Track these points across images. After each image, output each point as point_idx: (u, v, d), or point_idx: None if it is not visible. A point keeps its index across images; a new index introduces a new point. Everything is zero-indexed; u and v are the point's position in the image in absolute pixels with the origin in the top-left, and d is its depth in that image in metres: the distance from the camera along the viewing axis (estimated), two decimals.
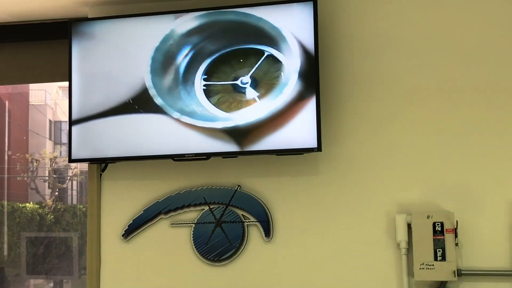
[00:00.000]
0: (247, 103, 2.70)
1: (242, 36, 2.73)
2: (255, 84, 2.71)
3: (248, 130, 2.69)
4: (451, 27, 2.75)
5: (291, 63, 2.68)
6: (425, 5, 2.78)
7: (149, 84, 2.78)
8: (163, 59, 2.78)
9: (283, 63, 2.69)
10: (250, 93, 2.71)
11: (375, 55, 2.79)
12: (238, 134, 2.69)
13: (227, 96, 2.73)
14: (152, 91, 2.78)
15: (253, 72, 2.72)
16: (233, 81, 2.73)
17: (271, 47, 2.70)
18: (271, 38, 2.70)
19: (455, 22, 2.75)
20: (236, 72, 2.73)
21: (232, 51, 2.74)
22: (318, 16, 2.69)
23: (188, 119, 2.74)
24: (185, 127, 2.74)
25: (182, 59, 2.77)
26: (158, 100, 2.77)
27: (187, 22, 2.77)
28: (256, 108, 2.69)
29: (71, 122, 2.86)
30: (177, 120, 2.74)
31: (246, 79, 2.72)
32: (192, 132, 2.73)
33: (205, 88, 2.74)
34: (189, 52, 2.77)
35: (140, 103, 2.79)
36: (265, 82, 2.71)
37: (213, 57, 2.75)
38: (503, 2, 2.72)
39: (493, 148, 2.67)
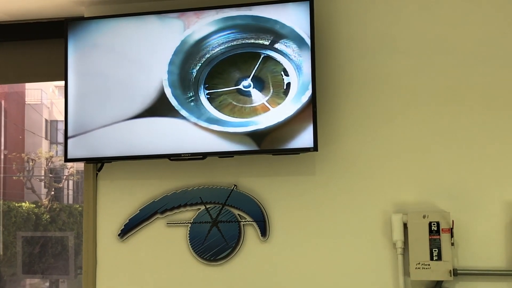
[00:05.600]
0: (263, 107, 2.70)
1: (248, 39, 2.73)
2: (260, 87, 2.71)
3: (266, 133, 2.69)
4: (449, 27, 2.76)
5: (306, 67, 2.68)
6: (423, 5, 2.78)
7: (173, 101, 2.76)
8: (179, 72, 2.77)
9: (284, 65, 2.69)
10: (256, 95, 2.70)
11: (372, 55, 2.80)
12: (259, 137, 2.69)
13: (230, 100, 2.72)
14: (174, 102, 2.77)
15: (253, 75, 2.72)
16: (235, 86, 2.73)
17: (274, 50, 2.71)
18: (280, 38, 2.70)
19: (453, 22, 2.76)
20: (237, 76, 2.73)
21: (232, 56, 2.74)
22: (314, 16, 2.69)
23: (217, 127, 2.72)
24: (209, 132, 2.74)
25: (193, 70, 2.77)
26: (184, 112, 2.76)
27: (196, 33, 2.76)
28: (276, 112, 2.68)
29: (67, 122, 2.86)
30: (206, 128, 2.73)
31: (247, 82, 2.72)
32: (208, 134, 2.73)
33: (208, 96, 2.75)
34: (198, 63, 2.77)
35: (159, 112, 2.78)
36: (270, 84, 2.70)
37: (213, 64, 2.75)
38: (503, 2, 2.73)
39: (489, 148, 2.68)
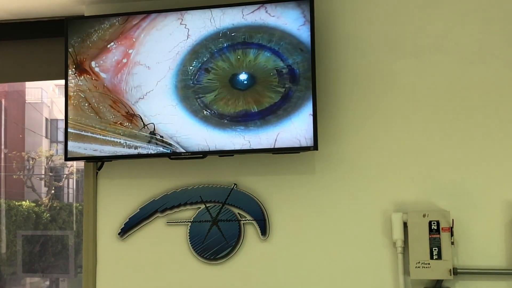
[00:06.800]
0: (254, 101, 2.70)
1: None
2: (253, 81, 2.71)
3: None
4: (449, 27, 2.75)
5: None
6: (423, 4, 2.78)
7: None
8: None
9: (278, 60, 2.69)
10: (249, 89, 2.71)
11: (372, 55, 2.80)
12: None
13: (225, 94, 2.73)
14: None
15: (247, 69, 2.71)
16: (229, 80, 2.73)
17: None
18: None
19: (452, 22, 2.76)
20: (232, 70, 2.73)
21: (226, 52, 2.74)
22: (314, 15, 2.69)
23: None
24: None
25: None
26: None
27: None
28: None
29: (67, 120, 2.86)
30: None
31: (243, 76, 2.72)
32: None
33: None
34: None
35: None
36: (263, 79, 2.70)
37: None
38: (502, 2, 2.72)
39: (489, 147, 2.68)
